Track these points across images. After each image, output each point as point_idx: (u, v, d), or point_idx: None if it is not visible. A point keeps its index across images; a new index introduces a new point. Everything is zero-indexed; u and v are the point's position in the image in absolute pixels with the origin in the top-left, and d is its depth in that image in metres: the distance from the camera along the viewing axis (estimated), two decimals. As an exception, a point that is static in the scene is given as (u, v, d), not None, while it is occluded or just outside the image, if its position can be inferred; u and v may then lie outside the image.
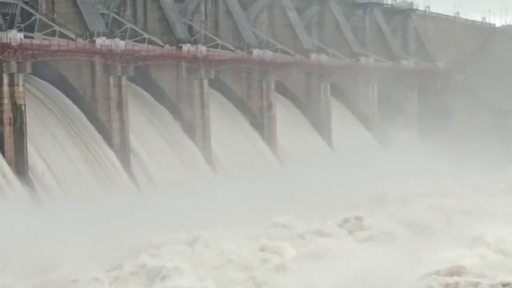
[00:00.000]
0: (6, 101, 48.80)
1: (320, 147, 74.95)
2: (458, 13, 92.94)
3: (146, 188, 54.85)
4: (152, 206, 46.96)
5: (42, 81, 55.06)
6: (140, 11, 63.20)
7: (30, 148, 49.01)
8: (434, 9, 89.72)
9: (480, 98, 78.93)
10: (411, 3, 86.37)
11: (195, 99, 62.66)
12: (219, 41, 65.06)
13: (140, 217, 40.01)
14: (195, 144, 62.07)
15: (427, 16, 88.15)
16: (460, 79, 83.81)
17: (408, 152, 66.67)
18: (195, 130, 62.31)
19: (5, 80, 48.78)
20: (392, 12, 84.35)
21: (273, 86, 70.05)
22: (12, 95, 49.18)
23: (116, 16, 61.08)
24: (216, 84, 67.49)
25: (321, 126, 76.75)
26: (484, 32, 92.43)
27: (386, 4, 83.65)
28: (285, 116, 72.65)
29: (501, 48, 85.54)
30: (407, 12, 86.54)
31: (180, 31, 63.40)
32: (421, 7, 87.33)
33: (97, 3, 59.42)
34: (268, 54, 69.67)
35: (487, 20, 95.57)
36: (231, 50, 66.79)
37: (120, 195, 51.50)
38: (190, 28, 65.35)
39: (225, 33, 67.73)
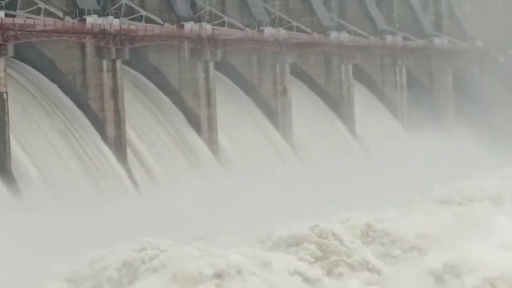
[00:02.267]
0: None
1: (341, 138, 73.98)
2: None
3: (145, 187, 54.28)
4: (152, 206, 46.67)
5: (26, 66, 54.82)
6: None
7: (13, 142, 49.12)
8: None
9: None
10: None
11: (200, 85, 61.52)
12: (226, 19, 63.86)
13: (139, 220, 40.41)
14: (200, 136, 61.10)
15: None
16: (501, 60, 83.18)
17: (442, 145, 67.14)
18: (200, 120, 61.31)
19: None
20: None
21: (288, 69, 68.87)
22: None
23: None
24: (223, 68, 66.54)
25: (343, 114, 75.53)
26: None
27: None
28: (302, 103, 71.84)
29: None
30: None
31: (182, 7, 62.51)
32: None
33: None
34: (282, 33, 68.64)
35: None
36: (239, 28, 65.43)
37: (116, 194, 51.21)
38: (193, 4, 64.42)
39: (233, 9, 66.89)
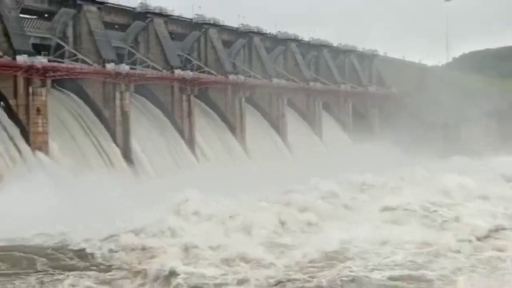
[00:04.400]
0: (118, 109, 51.45)
1: (315, 143, 75.74)
2: (404, 57, 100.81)
3: (204, 164, 56.90)
4: (207, 174, 49.11)
5: (141, 98, 57.93)
6: (203, 53, 65.48)
7: (133, 139, 51.78)
8: (390, 54, 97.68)
9: (414, 113, 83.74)
10: (375, 50, 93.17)
11: (236, 111, 64.82)
12: (251, 73, 68.61)
13: (199, 182, 40.14)
14: (235, 139, 64.11)
15: (385, 59, 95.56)
16: (406, 100, 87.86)
17: (372, 148, 67.18)
18: (236, 130, 64.48)
19: (117, 96, 51.56)
20: (362, 56, 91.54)
21: (285, 102, 72.86)
22: (121, 106, 51.52)
23: (188, 57, 64.34)
24: (250, 100, 69.68)
25: (316, 130, 77.98)
26: (420, 69, 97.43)
27: (359, 51, 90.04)
28: (293, 122, 74.61)
29: (431, 80, 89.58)
30: (372, 56, 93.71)
31: (228, 66, 66.56)
32: (381, 53, 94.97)
33: (176, 47, 61.50)
34: (283, 82, 73.03)
35: (423, 62, 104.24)
36: (259, 79, 69.71)
37: (188, 168, 53.59)
38: (234, 65, 68.54)
39: (256, 68, 70.58)
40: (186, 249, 27.13)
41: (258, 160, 60.72)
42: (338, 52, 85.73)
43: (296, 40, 77.16)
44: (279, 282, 23.43)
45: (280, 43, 75.41)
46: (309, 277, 24.08)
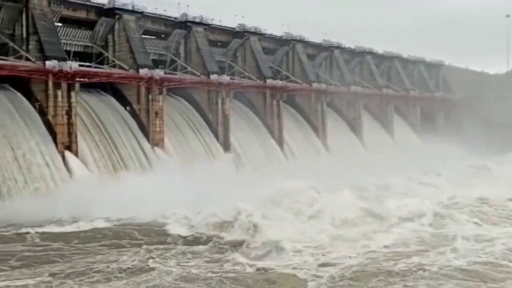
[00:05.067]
0: (220, 112, 52.44)
1: (387, 142, 73.10)
2: (467, 66, 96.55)
3: (290, 159, 57.63)
4: (295, 168, 50.11)
5: (239, 103, 58.95)
6: (290, 65, 65.46)
7: (232, 137, 53.09)
8: (454, 64, 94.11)
9: (476, 116, 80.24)
10: (442, 61, 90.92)
11: (318, 113, 64.44)
12: (332, 82, 67.88)
13: (287, 174, 40.66)
14: (318, 137, 64.06)
15: (450, 68, 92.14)
16: (469, 104, 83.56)
17: (437, 145, 65.85)
18: (318, 130, 64.27)
19: (219, 101, 52.69)
20: (430, 65, 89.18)
21: (361, 106, 71.78)
22: (223, 109, 52.90)
23: (278, 68, 64.52)
24: (330, 105, 68.18)
25: (388, 130, 76.11)
26: (482, 77, 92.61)
27: (427, 61, 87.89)
28: (368, 123, 73.08)
29: (492, 86, 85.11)
30: (439, 66, 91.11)
31: (312, 75, 65.94)
32: (446, 63, 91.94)
33: (268, 60, 62.23)
34: (359, 89, 71.82)
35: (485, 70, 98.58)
36: (338, 86, 68.83)
37: (277, 163, 54.38)
38: (317, 75, 67.73)
39: (336, 77, 69.50)
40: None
41: (338, 155, 60.25)
42: (408, 62, 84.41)
43: (371, 53, 76.68)
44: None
45: (357, 55, 74.87)
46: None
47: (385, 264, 22.11)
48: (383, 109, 75.81)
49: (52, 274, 21.14)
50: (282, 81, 60.81)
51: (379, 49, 77.71)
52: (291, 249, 23.60)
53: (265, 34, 61.68)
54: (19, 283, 20.06)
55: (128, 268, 21.75)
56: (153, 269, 21.70)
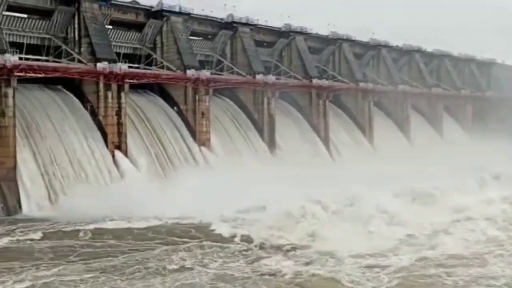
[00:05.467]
0: (265, 112, 52.98)
1: (436, 140, 71.44)
2: None
3: (337, 159, 57.28)
4: (340, 167, 50.02)
5: (284, 102, 58.56)
6: (337, 65, 64.97)
7: (277, 137, 53.42)
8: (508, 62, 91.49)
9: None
10: (494, 59, 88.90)
11: (365, 112, 64.32)
12: (379, 81, 67.45)
13: (334, 174, 41.35)
14: (364, 137, 63.65)
15: (503, 66, 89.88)
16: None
17: (487, 144, 62.71)
18: (365, 129, 63.71)
19: (265, 101, 53.06)
20: (481, 64, 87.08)
21: (409, 105, 70.51)
22: (268, 109, 52.90)
23: (324, 68, 64.10)
24: (377, 104, 67.61)
25: (437, 129, 74.39)
26: None
27: (478, 59, 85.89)
28: (416, 123, 71.48)
29: None
30: (491, 64, 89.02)
31: (358, 75, 65.10)
32: (499, 61, 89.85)
33: (314, 60, 61.57)
34: (407, 88, 70.81)
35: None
36: (385, 86, 67.85)
37: (322, 162, 53.30)
38: (363, 74, 67.25)
39: (383, 76, 68.55)
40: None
41: (385, 155, 58.90)
42: (458, 61, 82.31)
43: (420, 51, 75.15)
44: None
45: (405, 54, 73.63)
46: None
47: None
48: (432, 108, 74.12)
49: (105, 269, 21.83)
50: (328, 80, 60.55)
51: (428, 48, 75.96)
52: (344, 257, 22.60)
53: (311, 33, 61.40)
54: (75, 277, 20.83)
55: (175, 265, 22.14)
56: (193, 268, 21.96)
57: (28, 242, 25.90)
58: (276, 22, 58.47)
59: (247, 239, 26.48)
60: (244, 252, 24.46)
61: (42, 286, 19.89)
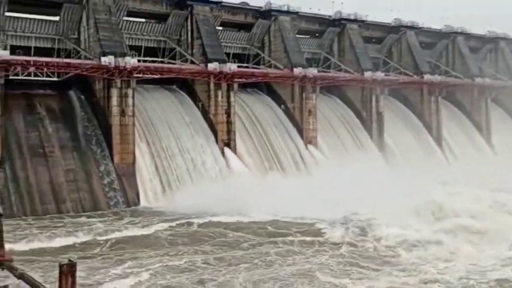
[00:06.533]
0: (373, 110, 52.04)
1: None
2: None
3: (451, 159, 55.05)
4: (456, 169, 47.94)
5: (393, 99, 57.85)
6: (450, 59, 62.29)
7: (386, 135, 52.19)
8: None
9: None
10: None
11: (482, 109, 60.77)
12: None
13: (444, 174, 40.72)
14: (481, 136, 60.42)
15: None
16: None
17: None
18: (481, 127, 60.59)
19: (373, 98, 52.08)
20: None
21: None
22: (376, 107, 52.28)
23: (436, 63, 61.30)
24: (495, 100, 64.23)
25: None
26: None
27: None
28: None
29: None
30: None
31: (474, 70, 63.11)
32: None
33: (425, 55, 59.43)
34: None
35: None
36: (505, 81, 63.68)
37: (436, 164, 51.25)
38: (479, 69, 64.02)
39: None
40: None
41: (505, 156, 55.13)
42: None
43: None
44: None
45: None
46: None
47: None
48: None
49: (213, 257, 23.14)
50: (441, 76, 58.54)
51: None
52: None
53: (422, 28, 59.81)
54: (204, 264, 22.50)
55: (274, 259, 22.94)
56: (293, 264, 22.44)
57: (155, 231, 27.97)
58: (385, 17, 60.02)
59: (348, 242, 25.86)
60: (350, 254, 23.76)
61: (174, 268, 21.58)
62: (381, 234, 25.89)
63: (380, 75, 52.60)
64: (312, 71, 47.90)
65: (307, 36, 53.63)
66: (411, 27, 58.18)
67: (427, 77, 56.29)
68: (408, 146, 52.82)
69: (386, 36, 57.91)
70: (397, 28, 57.65)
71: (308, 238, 26.71)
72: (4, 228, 25.26)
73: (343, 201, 30.90)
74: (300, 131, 46.90)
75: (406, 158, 50.29)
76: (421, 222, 27.24)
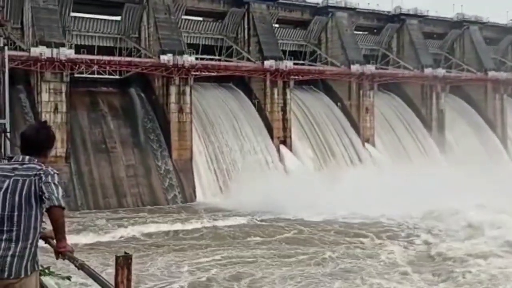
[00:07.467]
0: (434, 108, 50.72)
1: None
2: None
3: None
4: None
5: (455, 97, 55.67)
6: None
7: (447, 134, 50.55)
8: None
9: None
10: None
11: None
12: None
13: None
14: None
15: None
16: None
17: None
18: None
19: (434, 96, 50.73)
20: None
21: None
22: (437, 104, 51.21)
23: (502, 59, 59.84)
24: None
25: None
26: None
27: None
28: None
29: None
30: None
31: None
32: None
33: (489, 51, 57.83)
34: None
35: None
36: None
37: (501, 164, 47.56)
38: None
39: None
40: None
41: None
42: None
43: None
44: None
45: None
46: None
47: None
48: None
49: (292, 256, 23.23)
50: (507, 73, 56.71)
51: None
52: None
53: (487, 22, 58.14)
54: (266, 260, 22.59)
55: (327, 257, 22.77)
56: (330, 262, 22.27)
57: (215, 227, 28.61)
58: (447, 12, 57.00)
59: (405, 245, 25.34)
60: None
61: (235, 261, 22.08)
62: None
63: (441, 71, 51.74)
64: (370, 68, 47.53)
65: (365, 33, 53.23)
66: (475, 22, 56.68)
67: (491, 73, 54.84)
68: (471, 146, 50.43)
69: (448, 31, 56.54)
70: (460, 23, 56.19)
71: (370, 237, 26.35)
72: (70, 220, 27.12)
73: (402, 202, 29.41)
74: (357, 129, 46.62)
75: (469, 157, 46.49)
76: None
